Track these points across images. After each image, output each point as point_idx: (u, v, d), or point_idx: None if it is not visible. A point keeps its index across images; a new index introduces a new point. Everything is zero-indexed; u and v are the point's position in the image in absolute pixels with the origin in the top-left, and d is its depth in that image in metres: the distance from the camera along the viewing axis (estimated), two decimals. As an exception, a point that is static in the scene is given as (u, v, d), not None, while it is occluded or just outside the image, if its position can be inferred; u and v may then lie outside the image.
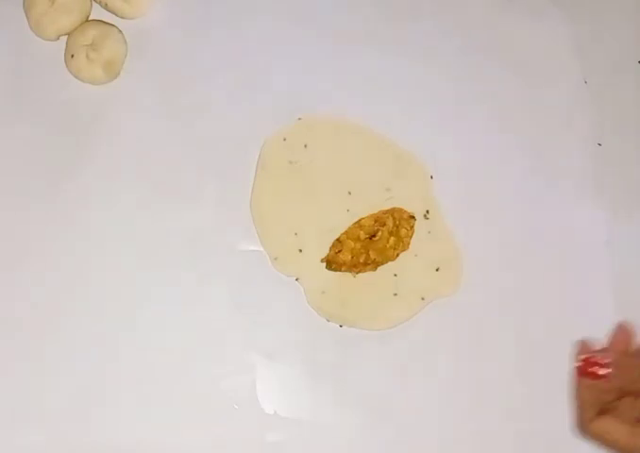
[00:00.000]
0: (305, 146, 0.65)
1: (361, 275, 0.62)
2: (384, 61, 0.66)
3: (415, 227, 0.62)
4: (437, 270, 0.63)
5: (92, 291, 0.63)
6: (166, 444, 0.61)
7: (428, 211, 0.63)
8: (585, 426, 0.55)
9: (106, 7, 0.67)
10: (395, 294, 0.62)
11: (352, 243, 0.61)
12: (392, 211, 0.62)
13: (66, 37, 0.67)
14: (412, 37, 0.67)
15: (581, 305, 0.62)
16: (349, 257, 0.61)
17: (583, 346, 0.59)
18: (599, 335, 0.61)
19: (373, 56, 0.67)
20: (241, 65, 0.67)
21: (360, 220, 0.62)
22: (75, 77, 0.66)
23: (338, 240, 0.62)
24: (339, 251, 0.61)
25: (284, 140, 0.65)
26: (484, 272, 0.63)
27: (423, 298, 0.62)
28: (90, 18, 0.68)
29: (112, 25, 0.67)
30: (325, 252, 0.62)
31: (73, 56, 0.66)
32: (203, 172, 0.65)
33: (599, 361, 0.57)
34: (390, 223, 0.61)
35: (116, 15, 0.68)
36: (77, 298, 0.63)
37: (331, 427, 0.60)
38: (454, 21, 0.68)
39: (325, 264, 0.62)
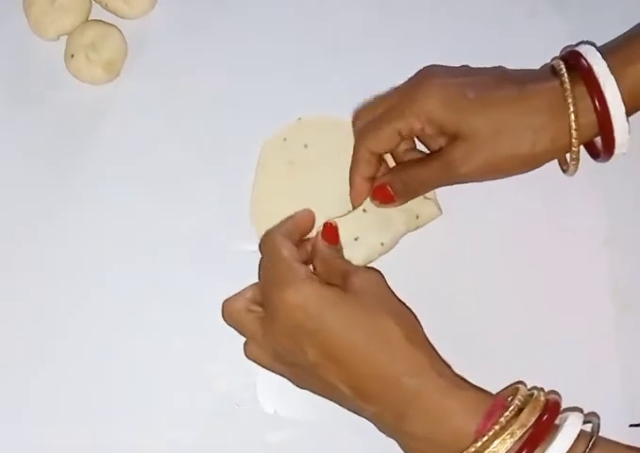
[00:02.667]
0: (305, 146, 0.65)
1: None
2: (384, 61, 0.66)
3: None
4: None
5: (90, 291, 0.63)
6: (166, 444, 0.61)
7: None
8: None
9: (106, 7, 0.67)
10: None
11: None
12: None
13: (66, 37, 0.67)
14: (411, 37, 0.67)
15: (581, 305, 0.62)
16: None
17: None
18: (600, 335, 0.61)
19: (373, 56, 0.67)
20: (241, 65, 0.67)
21: None
22: (75, 77, 0.66)
23: None
24: None
25: (284, 140, 0.65)
26: (483, 274, 0.63)
27: None
28: (90, 18, 0.68)
29: (112, 25, 0.67)
30: (324, 252, 0.62)
31: (73, 56, 0.66)
32: (203, 172, 0.65)
33: None
34: None
35: (116, 15, 0.68)
36: (75, 298, 0.63)
37: (331, 427, 0.60)
38: (454, 21, 0.68)
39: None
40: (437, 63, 0.63)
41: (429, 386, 0.51)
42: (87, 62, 0.65)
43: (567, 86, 0.56)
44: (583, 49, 0.58)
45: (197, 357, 0.61)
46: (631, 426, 0.59)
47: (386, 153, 0.61)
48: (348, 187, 0.62)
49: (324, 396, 0.56)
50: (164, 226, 0.64)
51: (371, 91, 0.65)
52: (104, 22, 0.67)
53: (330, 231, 0.59)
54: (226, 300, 0.57)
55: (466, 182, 0.59)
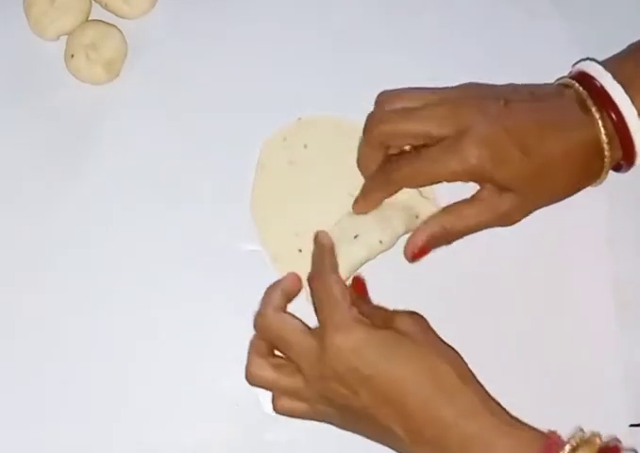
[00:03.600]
0: (305, 146, 0.65)
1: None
2: (384, 61, 0.66)
3: None
4: None
5: (89, 290, 0.63)
6: (166, 444, 0.61)
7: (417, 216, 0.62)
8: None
9: (106, 7, 0.68)
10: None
11: None
12: None
13: (66, 37, 0.67)
14: (411, 37, 0.67)
15: (581, 304, 0.62)
16: None
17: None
18: (601, 334, 0.61)
19: (373, 56, 0.67)
20: (241, 65, 0.67)
21: None
22: (75, 77, 0.66)
23: None
24: None
25: (284, 140, 0.65)
26: (483, 273, 0.63)
27: None
28: (90, 18, 0.68)
29: (112, 25, 0.67)
30: (324, 252, 0.62)
31: (73, 56, 0.66)
32: (203, 172, 0.65)
33: None
34: None
35: (116, 15, 0.68)
36: (75, 298, 0.63)
37: (331, 427, 0.60)
38: (454, 21, 0.68)
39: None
40: (435, 63, 0.63)
41: (483, 427, 0.51)
42: (87, 62, 0.65)
43: (603, 136, 0.57)
44: (607, 84, 0.57)
45: (197, 357, 0.61)
46: (631, 426, 0.59)
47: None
48: (348, 186, 0.62)
49: (373, 439, 0.55)
50: (164, 225, 0.64)
51: (370, 90, 0.65)
52: (104, 22, 0.67)
53: (361, 287, 0.59)
54: (247, 371, 0.57)
55: None
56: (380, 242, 0.60)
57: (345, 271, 0.59)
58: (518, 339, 0.61)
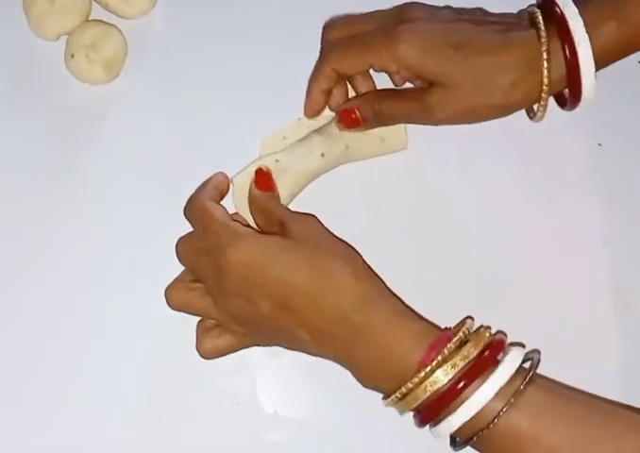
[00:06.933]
0: (305, 146, 0.65)
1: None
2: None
3: None
4: None
5: (89, 290, 0.63)
6: (166, 444, 0.61)
7: None
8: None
9: (106, 7, 0.68)
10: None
11: None
12: None
13: (66, 37, 0.67)
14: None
15: (581, 304, 0.62)
16: None
17: None
18: (600, 335, 0.61)
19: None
20: (241, 65, 0.67)
21: None
22: (75, 77, 0.66)
23: None
24: None
25: (284, 139, 0.65)
26: (480, 278, 0.63)
27: None
28: (90, 18, 0.68)
29: (112, 25, 0.67)
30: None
31: (73, 56, 0.66)
32: (203, 172, 0.65)
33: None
34: None
35: (116, 15, 0.68)
36: (76, 298, 0.63)
37: (331, 427, 0.60)
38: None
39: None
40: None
41: (375, 318, 0.52)
42: (87, 62, 0.65)
43: (544, 40, 0.57)
44: (565, 9, 0.58)
45: (197, 356, 0.61)
46: (630, 426, 0.59)
47: (349, 75, 0.61)
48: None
49: (290, 348, 0.56)
50: (164, 225, 0.64)
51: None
52: (104, 22, 0.67)
53: (263, 177, 0.60)
54: (166, 289, 0.59)
55: (435, 125, 0.60)
56: (322, 155, 0.61)
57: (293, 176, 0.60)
58: (517, 339, 0.61)
